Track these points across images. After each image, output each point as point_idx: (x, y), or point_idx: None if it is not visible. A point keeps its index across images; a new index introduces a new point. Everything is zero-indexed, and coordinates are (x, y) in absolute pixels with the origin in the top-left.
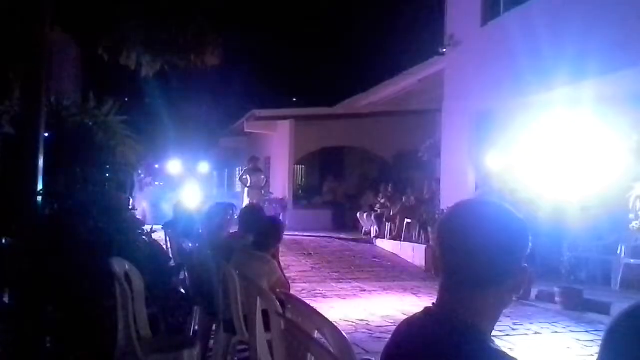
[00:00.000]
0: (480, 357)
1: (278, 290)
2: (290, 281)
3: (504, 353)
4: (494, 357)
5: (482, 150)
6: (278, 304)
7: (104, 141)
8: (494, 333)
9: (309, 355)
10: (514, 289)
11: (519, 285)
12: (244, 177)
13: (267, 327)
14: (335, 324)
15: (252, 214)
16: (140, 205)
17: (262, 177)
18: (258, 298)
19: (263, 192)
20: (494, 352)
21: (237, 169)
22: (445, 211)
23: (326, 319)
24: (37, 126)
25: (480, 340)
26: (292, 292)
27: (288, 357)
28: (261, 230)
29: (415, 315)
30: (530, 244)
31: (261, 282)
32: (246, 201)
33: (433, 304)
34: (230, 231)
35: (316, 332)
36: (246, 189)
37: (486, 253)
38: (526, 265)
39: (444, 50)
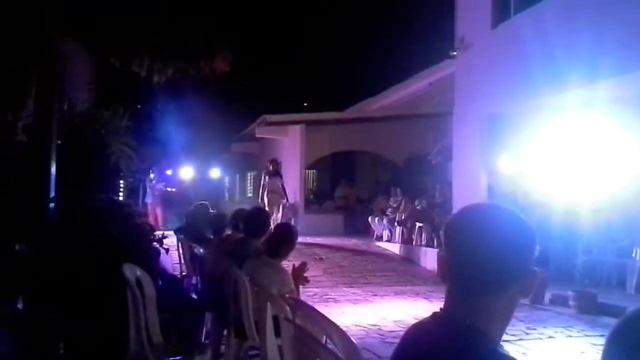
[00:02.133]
0: None
1: (287, 295)
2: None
3: (513, 358)
4: None
5: (494, 153)
6: (288, 309)
7: (116, 148)
8: (507, 337)
9: None
10: (522, 292)
11: (528, 289)
12: (263, 182)
13: (277, 333)
14: (346, 329)
15: (259, 218)
16: (153, 210)
17: (280, 182)
18: (268, 304)
19: (280, 196)
20: (503, 357)
21: (249, 174)
22: (452, 215)
23: (335, 324)
24: (49, 134)
25: (488, 345)
26: (303, 297)
27: None
28: (274, 237)
29: (423, 320)
30: (538, 247)
31: (271, 289)
32: (266, 206)
33: (441, 308)
34: (230, 234)
35: (325, 337)
36: (265, 194)
37: (495, 256)
38: (535, 268)
39: (455, 53)
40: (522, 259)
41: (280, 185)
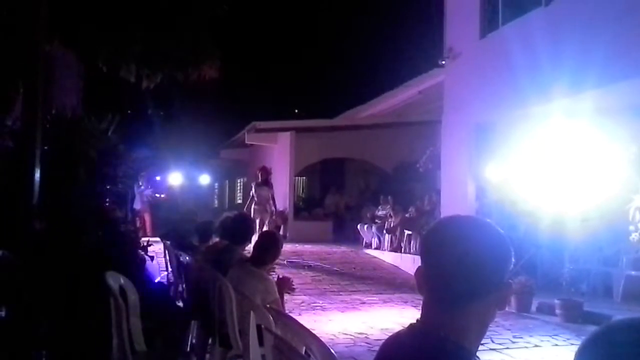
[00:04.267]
0: None
1: (268, 305)
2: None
3: None
4: None
5: (482, 161)
6: (271, 319)
7: (104, 155)
8: (493, 346)
9: None
10: (498, 304)
11: (504, 301)
12: (251, 192)
13: (261, 342)
14: (333, 337)
15: (241, 225)
16: (142, 217)
17: (269, 193)
18: (252, 313)
19: (268, 208)
20: None
21: (239, 181)
22: (429, 227)
23: (314, 335)
24: (34, 140)
25: (464, 357)
26: (291, 304)
27: None
28: (258, 245)
29: (400, 331)
30: (513, 259)
31: (255, 298)
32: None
33: (417, 319)
34: (217, 241)
35: (304, 348)
36: (252, 206)
37: (471, 268)
38: (511, 280)
39: (443, 62)
40: (498, 271)
41: (268, 197)
